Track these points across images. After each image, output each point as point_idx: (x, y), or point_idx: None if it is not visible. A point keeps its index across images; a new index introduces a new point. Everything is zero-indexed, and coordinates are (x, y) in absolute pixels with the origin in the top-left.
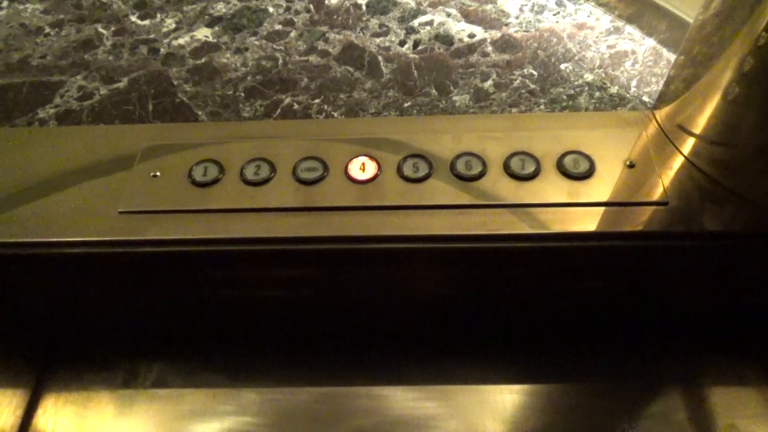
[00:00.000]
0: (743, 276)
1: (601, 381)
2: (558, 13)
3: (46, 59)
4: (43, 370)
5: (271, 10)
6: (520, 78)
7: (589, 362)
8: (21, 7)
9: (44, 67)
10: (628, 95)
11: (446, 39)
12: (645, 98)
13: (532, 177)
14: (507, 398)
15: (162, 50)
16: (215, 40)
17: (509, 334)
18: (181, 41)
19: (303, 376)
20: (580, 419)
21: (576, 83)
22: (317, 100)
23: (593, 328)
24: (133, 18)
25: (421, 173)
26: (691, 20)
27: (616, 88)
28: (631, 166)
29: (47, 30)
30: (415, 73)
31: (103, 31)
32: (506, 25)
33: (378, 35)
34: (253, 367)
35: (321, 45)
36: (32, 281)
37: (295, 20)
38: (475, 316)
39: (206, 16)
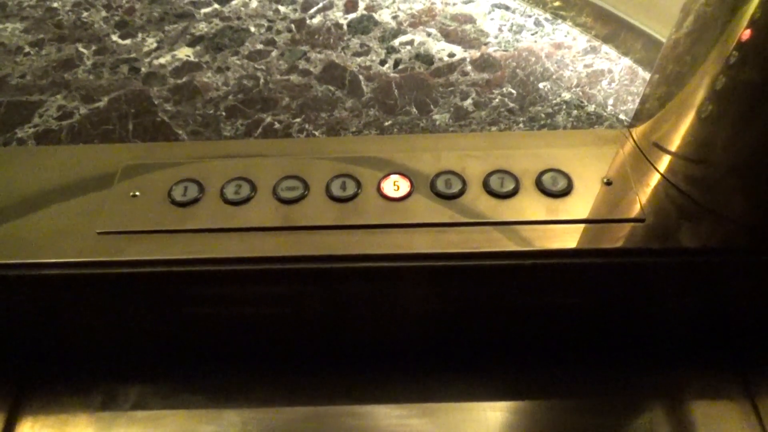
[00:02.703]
0: (720, 291)
1: (583, 397)
2: (536, 32)
3: (26, 78)
4: (20, 393)
5: (252, 29)
6: (499, 97)
7: (571, 379)
8: (1, 26)
9: (23, 86)
10: (605, 113)
11: (426, 58)
12: (622, 116)
13: (511, 195)
14: (491, 415)
15: (143, 69)
16: (196, 60)
17: (492, 351)
18: (162, 60)
19: (286, 396)
20: None
21: (554, 102)
22: (298, 119)
23: (574, 345)
24: (114, 37)
25: (402, 192)
26: (665, 40)
27: (594, 106)
28: (609, 183)
29: (27, 49)
30: (396, 92)
31: (84, 51)
32: (485, 44)
33: (359, 54)
34: (234, 387)
35: (302, 64)
36: (9, 303)
37: (277, 40)
38: (457, 333)
39: (188, 36)
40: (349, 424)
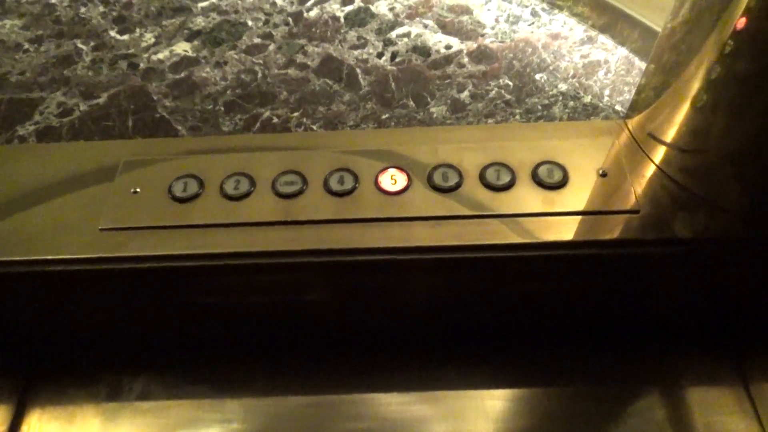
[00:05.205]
0: (715, 280)
1: (582, 384)
2: (533, 23)
3: (25, 75)
4: (27, 386)
5: (250, 23)
6: (495, 88)
7: (570, 367)
8: None
9: (23, 83)
10: (601, 104)
11: (423, 50)
12: (618, 107)
13: (507, 187)
14: (490, 404)
15: (141, 65)
16: (194, 55)
17: (490, 341)
18: (160, 56)
19: (287, 385)
20: (562, 421)
21: (550, 93)
22: (296, 114)
23: (572, 334)
24: (113, 33)
25: (399, 185)
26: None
27: (590, 97)
28: (604, 175)
29: (26, 46)
30: (393, 84)
31: (83, 47)
32: (482, 35)
33: (356, 47)
34: (237, 377)
35: (300, 58)
36: (14, 298)
37: (274, 33)
38: (455, 323)
39: (185, 31)
40: (350, 411)
